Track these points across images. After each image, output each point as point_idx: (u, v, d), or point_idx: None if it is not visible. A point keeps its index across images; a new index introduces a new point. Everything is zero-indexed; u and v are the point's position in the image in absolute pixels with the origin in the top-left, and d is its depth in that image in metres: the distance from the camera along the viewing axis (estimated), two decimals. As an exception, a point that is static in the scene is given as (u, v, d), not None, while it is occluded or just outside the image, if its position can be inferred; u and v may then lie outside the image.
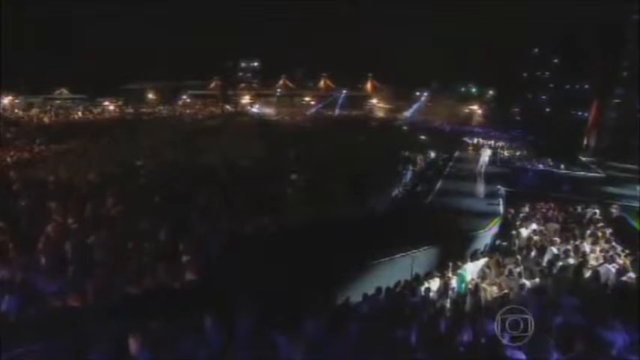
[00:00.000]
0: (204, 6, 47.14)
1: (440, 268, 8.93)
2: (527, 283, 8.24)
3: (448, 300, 7.80)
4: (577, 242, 10.43)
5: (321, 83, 62.09)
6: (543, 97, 32.60)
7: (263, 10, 46.53)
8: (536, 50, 31.86)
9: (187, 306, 7.35)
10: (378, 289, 8.21)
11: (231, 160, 17.89)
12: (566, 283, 8.28)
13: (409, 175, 16.97)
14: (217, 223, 11.37)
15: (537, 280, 8.49)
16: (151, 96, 59.50)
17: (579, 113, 27.99)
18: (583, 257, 9.42)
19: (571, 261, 9.42)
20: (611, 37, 22.28)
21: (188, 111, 57.16)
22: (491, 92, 46.55)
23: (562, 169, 20.51)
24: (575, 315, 6.98)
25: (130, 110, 54.69)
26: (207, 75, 59.51)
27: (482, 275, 8.74)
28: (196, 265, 9.19)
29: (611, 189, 16.63)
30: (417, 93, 54.32)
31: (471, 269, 8.85)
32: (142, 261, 9.08)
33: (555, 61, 30.80)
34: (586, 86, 28.31)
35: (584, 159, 22.50)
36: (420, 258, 9.25)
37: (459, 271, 8.55)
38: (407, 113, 49.95)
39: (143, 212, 11.84)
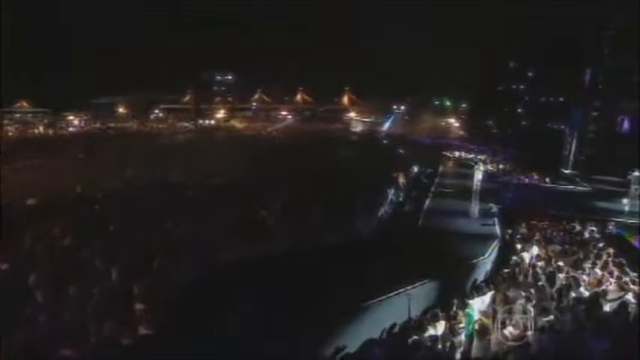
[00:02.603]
0: (177, 16, 45.51)
1: (442, 306, 7.69)
2: (545, 321, 7.15)
3: (457, 350, 6.55)
4: (586, 265, 9.52)
5: (298, 97, 61.35)
6: (519, 109, 32.74)
7: (238, 21, 45.56)
8: (511, 64, 32.13)
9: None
10: (372, 340, 6.91)
11: (201, 180, 16.35)
12: (588, 320, 7.26)
13: (395, 193, 15.90)
14: (181, 256, 9.82)
15: (552, 317, 7.41)
16: (121, 110, 56.98)
17: (555, 126, 27.99)
18: (598, 285, 8.50)
19: (582, 290, 8.48)
20: (586, 51, 22.44)
21: (160, 126, 54.98)
22: (464, 105, 47.03)
23: (547, 182, 20.12)
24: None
25: (97, 125, 52.06)
26: (181, 88, 57.60)
27: (491, 313, 7.55)
28: (153, 315, 7.62)
29: (601, 204, 16.14)
30: (394, 107, 54.37)
31: (478, 306, 7.66)
32: (84, 312, 7.43)
33: (530, 74, 31.07)
34: (561, 99, 28.48)
35: (567, 172, 22.28)
36: (419, 295, 8.01)
37: (467, 310, 7.34)
38: (385, 127, 49.65)
39: (93, 246, 10.15)
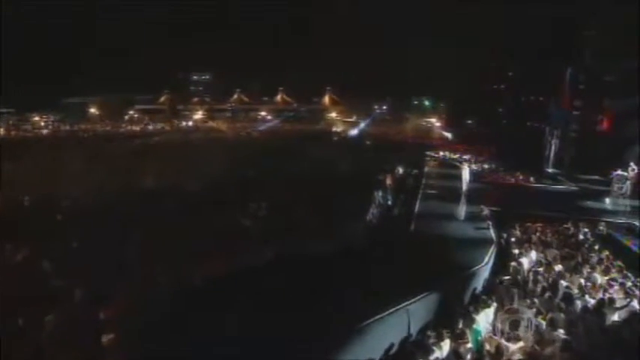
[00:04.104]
0: (154, 15, 43.53)
1: (445, 323, 7.04)
2: (557, 335, 6.63)
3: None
4: (586, 270, 9.13)
5: (278, 97, 60.35)
6: (502, 109, 32.94)
7: (216, 21, 44.16)
8: (493, 63, 32.28)
9: None
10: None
11: (178, 185, 15.25)
12: (599, 333, 6.80)
13: (383, 196, 15.29)
14: (156, 274, 8.84)
15: (562, 330, 6.90)
16: (93, 111, 54.54)
17: (536, 125, 28.13)
18: (602, 292, 8.09)
19: (588, 298, 8.04)
20: (567, 51, 22.61)
21: (135, 127, 52.96)
22: (446, 105, 47.24)
23: (532, 182, 20.04)
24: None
25: (67, 127, 49.61)
26: (157, 89, 55.52)
27: (498, 328, 6.96)
28: (124, 347, 6.68)
29: (589, 203, 16.02)
30: (376, 107, 54.21)
31: (484, 321, 7.05)
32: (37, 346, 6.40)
33: (510, 74, 31.31)
34: (541, 98, 28.70)
35: (550, 171, 22.33)
36: (418, 311, 7.33)
37: (474, 327, 6.71)
38: (368, 127, 49.24)
39: (54, 263, 9.03)
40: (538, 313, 7.06)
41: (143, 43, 42.78)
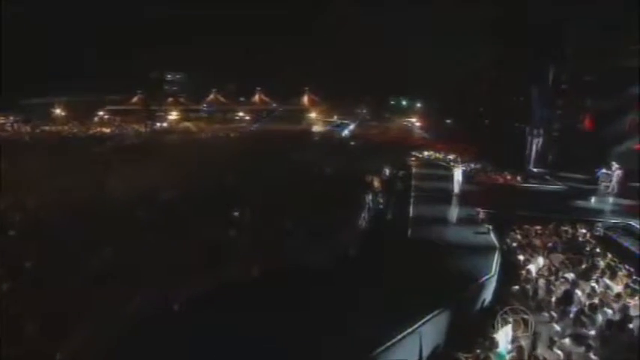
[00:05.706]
0: (126, 12, 41.21)
1: (461, 345, 6.28)
2: (583, 352, 6.01)
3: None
4: (597, 276, 8.62)
5: (256, 97, 58.96)
6: (481, 108, 32.93)
7: (192, 19, 42.48)
8: (476, 63, 32.21)
9: None
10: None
11: (151, 193, 13.95)
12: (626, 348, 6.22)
13: (373, 200, 14.51)
14: (127, 296, 7.68)
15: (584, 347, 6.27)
16: (59, 112, 51.52)
17: (516, 124, 28.15)
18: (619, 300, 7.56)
19: (606, 309, 7.47)
20: (549, 50, 22.65)
21: (105, 129, 50.25)
22: (423, 104, 47.30)
23: (519, 182, 19.81)
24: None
25: (27, 129, 46.54)
26: (129, 88, 52.98)
27: (520, 350, 6.24)
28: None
29: (580, 203, 15.72)
30: (356, 107, 53.70)
31: (504, 341, 6.33)
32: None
33: (492, 74, 31.33)
34: (521, 98, 28.77)
35: (536, 170, 22.25)
36: (431, 332, 6.53)
37: (497, 350, 5.96)
38: (350, 127, 48.57)
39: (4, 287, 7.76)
40: (575, 336, 6.35)
41: (115, 41, 40.62)
